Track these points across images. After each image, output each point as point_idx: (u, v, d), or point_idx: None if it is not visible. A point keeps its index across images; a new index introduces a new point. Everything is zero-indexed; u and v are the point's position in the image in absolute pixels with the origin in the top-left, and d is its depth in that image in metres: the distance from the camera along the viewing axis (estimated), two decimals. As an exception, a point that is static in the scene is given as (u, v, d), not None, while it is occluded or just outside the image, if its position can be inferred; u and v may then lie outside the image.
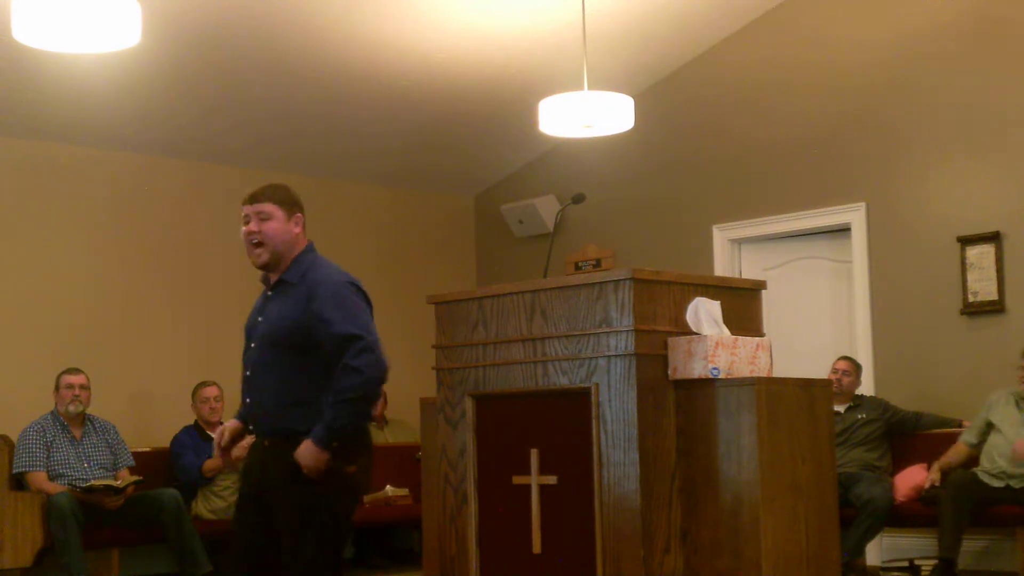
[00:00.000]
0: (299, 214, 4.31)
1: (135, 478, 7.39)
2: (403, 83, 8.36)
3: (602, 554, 3.87)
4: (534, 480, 4.07)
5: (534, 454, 4.09)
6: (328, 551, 4.09)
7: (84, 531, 6.93)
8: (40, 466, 7.32)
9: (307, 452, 4.00)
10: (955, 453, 7.20)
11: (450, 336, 4.39)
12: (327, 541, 4.09)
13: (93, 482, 7.24)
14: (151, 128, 8.49)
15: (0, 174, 8.32)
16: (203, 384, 8.21)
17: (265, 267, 4.27)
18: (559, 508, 4.01)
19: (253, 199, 4.29)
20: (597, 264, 9.52)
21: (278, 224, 4.23)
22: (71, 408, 7.50)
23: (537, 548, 4.03)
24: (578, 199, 9.60)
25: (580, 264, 9.67)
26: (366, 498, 8.51)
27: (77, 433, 7.54)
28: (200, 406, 8.15)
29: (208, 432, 8.04)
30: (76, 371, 7.60)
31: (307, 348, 4.11)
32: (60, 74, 7.31)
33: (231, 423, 4.37)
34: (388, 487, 8.61)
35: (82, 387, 7.56)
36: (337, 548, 4.17)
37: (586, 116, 7.20)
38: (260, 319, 4.29)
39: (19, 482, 7.32)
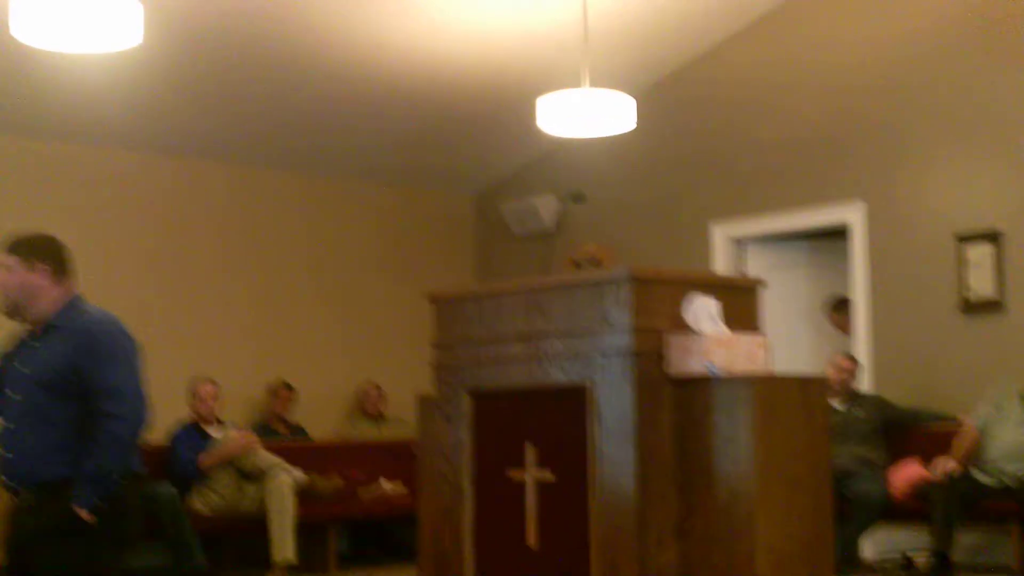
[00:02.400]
0: (42, 265, 4.22)
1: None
2: (403, 81, 8.36)
3: (597, 548, 3.87)
4: (530, 476, 4.07)
5: (530, 450, 4.09)
6: None
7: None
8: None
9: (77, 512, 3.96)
10: (969, 439, 7.11)
11: (448, 333, 4.39)
12: None
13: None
14: (150, 126, 8.50)
15: (4, 172, 8.33)
16: (198, 380, 8.21)
17: (9, 316, 4.24)
18: (555, 503, 4.01)
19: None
20: (595, 262, 9.52)
21: (15, 275, 4.20)
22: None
23: (532, 543, 4.04)
24: (578, 198, 9.60)
25: (578, 262, 9.67)
26: (362, 492, 8.53)
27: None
28: (196, 402, 8.15)
29: (204, 428, 8.05)
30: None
31: (71, 393, 4.08)
32: (60, 73, 7.30)
33: None
34: (384, 482, 8.63)
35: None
36: None
37: (586, 114, 7.19)
38: (24, 370, 4.18)
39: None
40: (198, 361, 8.63)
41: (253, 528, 7.62)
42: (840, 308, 8.76)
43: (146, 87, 7.87)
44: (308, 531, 7.75)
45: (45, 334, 4.21)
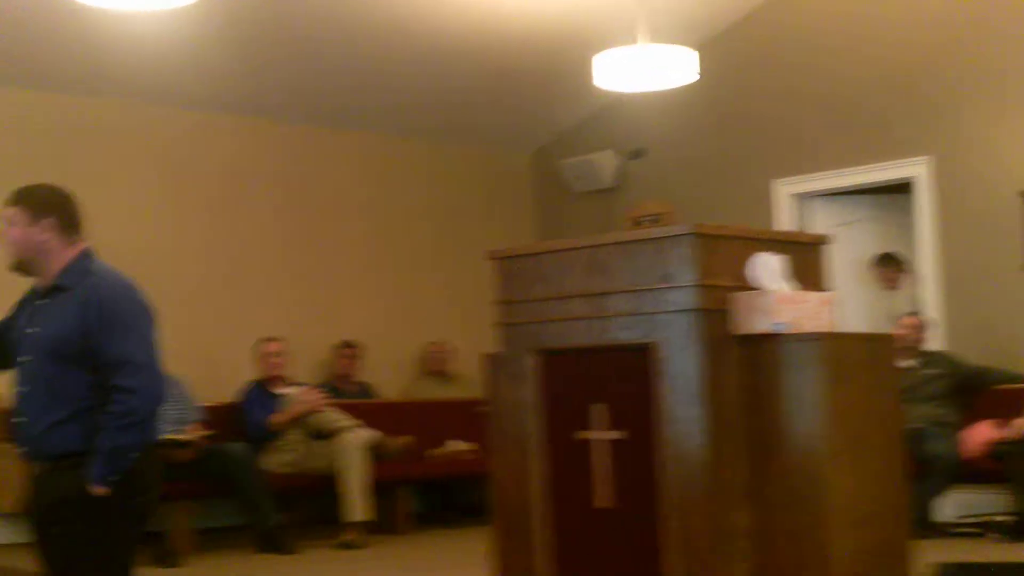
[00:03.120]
0: (47, 218, 3.99)
1: (204, 432, 7.51)
2: (461, 38, 8.36)
3: (669, 509, 3.89)
4: (599, 435, 4.09)
5: (598, 409, 4.11)
6: None
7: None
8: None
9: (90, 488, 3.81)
10: None
11: (511, 292, 4.41)
12: (110, 563, 3.93)
13: (163, 436, 7.35)
14: (206, 84, 8.55)
15: (56, 131, 8.43)
16: (265, 339, 8.31)
17: (16, 272, 4.02)
18: (624, 463, 4.03)
19: (5, 202, 4.07)
20: (656, 219, 9.50)
21: (20, 230, 3.98)
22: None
23: (602, 503, 4.06)
24: (637, 154, 9.58)
25: (640, 219, 9.66)
26: (431, 452, 8.61)
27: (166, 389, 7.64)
28: (264, 362, 8.26)
29: (272, 387, 8.16)
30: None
31: (83, 362, 3.87)
32: (116, 31, 7.37)
33: None
34: (453, 442, 8.69)
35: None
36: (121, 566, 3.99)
37: (645, 69, 7.17)
38: (30, 330, 3.99)
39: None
40: (265, 321, 8.73)
41: (326, 486, 7.73)
42: (885, 263, 8.68)
43: (202, 45, 7.89)
44: (379, 491, 7.84)
45: (51, 294, 3.98)
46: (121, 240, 8.56)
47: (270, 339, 8.33)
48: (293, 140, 9.44)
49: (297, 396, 7.98)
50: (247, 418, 8.02)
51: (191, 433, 7.49)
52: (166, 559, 6.78)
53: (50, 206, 4.04)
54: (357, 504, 7.51)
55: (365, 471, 7.60)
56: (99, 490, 3.79)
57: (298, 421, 7.88)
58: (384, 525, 7.94)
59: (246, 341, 8.47)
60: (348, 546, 7.33)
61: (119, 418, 3.81)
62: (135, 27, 7.33)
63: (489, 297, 4.49)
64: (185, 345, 8.46)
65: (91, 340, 3.85)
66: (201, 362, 8.68)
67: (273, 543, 7.20)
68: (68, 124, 8.44)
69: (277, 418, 7.90)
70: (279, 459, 7.86)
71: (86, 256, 4.04)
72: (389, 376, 9.60)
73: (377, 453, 7.78)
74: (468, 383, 9.35)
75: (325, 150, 9.59)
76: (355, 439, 7.70)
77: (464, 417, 8.60)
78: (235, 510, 7.75)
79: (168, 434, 7.39)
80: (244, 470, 7.35)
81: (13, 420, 3.99)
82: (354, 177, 9.74)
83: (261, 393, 8.13)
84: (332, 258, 9.54)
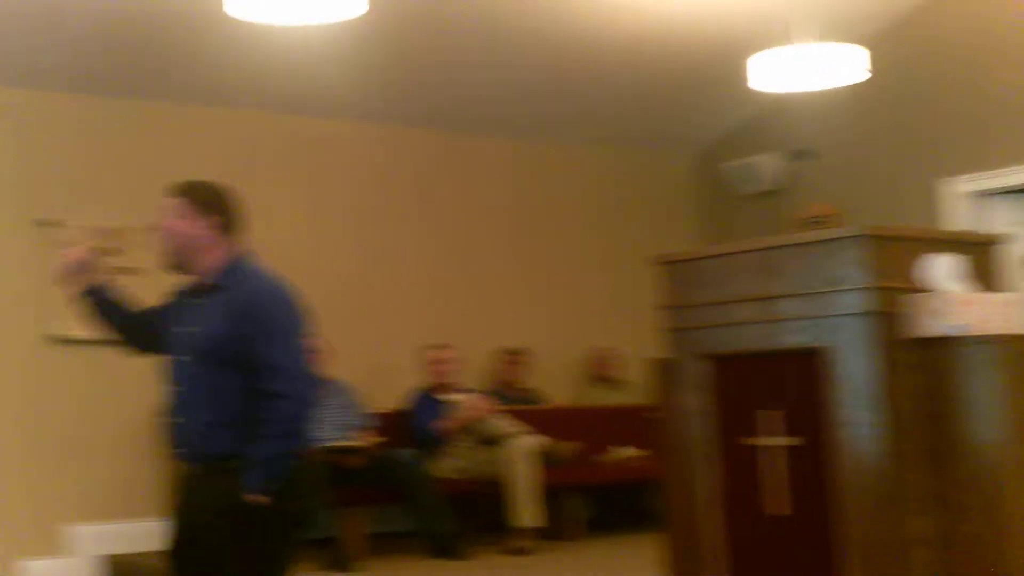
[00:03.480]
0: (213, 216, 4.00)
1: (376, 438, 7.59)
2: (619, 42, 8.30)
3: (848, 517, 3.81)
4: (769, 441, 4.03)
5: (768, 415, 4.05)
6: None
7: (329, 490, 7.15)
8: (284, 428, 7.57)
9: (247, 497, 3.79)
10: None
11: (678, 296, 4.37)
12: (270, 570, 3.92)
13: (334, 442, 7.47)
14: (369, 95, 8.62)
15: (231, 146, 8.63)
16: (434, 347, 8.38)
17: (170, 269, 4.02)
18: (799, 470, 3.96)
19: (166, 193, 4.04)
20: (823, 221, 9.33)
21: (182, 223, 3.97)
22: (307, 372, 7.74)
23: (777, 510, 4.00)
24: (802, 155, 9.41)
25: (806, 221, 9.49)
26: (599, 458, 8.58)
27: (319, 395, 7.78)
28: (432, 368, 8.33)
29: (441, 394, 8.22)
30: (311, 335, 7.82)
31: (238, 364, 3.85)
32: (280, 46, 7.50)
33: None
34: (624, 448, 8.64)
35: (318, 351, 7.78)
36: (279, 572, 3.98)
37: (809, 67, 7.04)
38: (187, 329, 3.96)
39: (265, 444, 7.59)
40: (433, 328, 8.81)
41: (495, 492, 7.76)
42: None
43: (367, 57, 7.97)
44: (549, 497, 7.84)
45: (207, 293, 3.95)
46: (288, 250, 8.75)
47: (437, 346, 8.40)
48: (453, 149, 9.51)
49: (465, 402, 8.03)
50: (415, 424, 8.10)
51: (361, 439, 7.59)
52: (339, 565, 6.88)
53: (215, 204, 4.03)
54: (526, 510, 7.52)
55: (533, 477, 7.61)
56: (257, 499, 3.77)
57: (466, 427, 7.93)
58: (553, 531, 7.93)
59: (417, 348, 8.55)
60: (518, 552, 7.35)
61: (272, 425, 3.79)
62: (290, 42, 7.46)
63: (653, 302, 4.46)
64: (354, 352, 8.61)
65: (245, 344, 3.83)
66: (370, 369, 8.79)
67: (444, 549, 7.25)
68: (227, 137, 8.63)
69: (445, 424, 7.97)
70: (448, 465, 7.91)
71: (244, 257, 4.03)
72: (555, 382, 9.60)
73: (546, 459, 7.78)
74: (634, 388, 9.30)
75: (486, 158, 9.63)
76: (523, 445, 7.71)
77: (631, 423, 8.54)
78: (406, 516, 7.83)
79: (339, 440, 7.51)
80: (414, 476, 7.41)
81: (169, 420, 3.97)
82: (518, 184, 9.77)
83: (429, 400, 8.20)
84: (498, 264, 9.57)
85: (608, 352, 9.64)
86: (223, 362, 3.84)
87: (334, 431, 7.66)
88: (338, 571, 6.82)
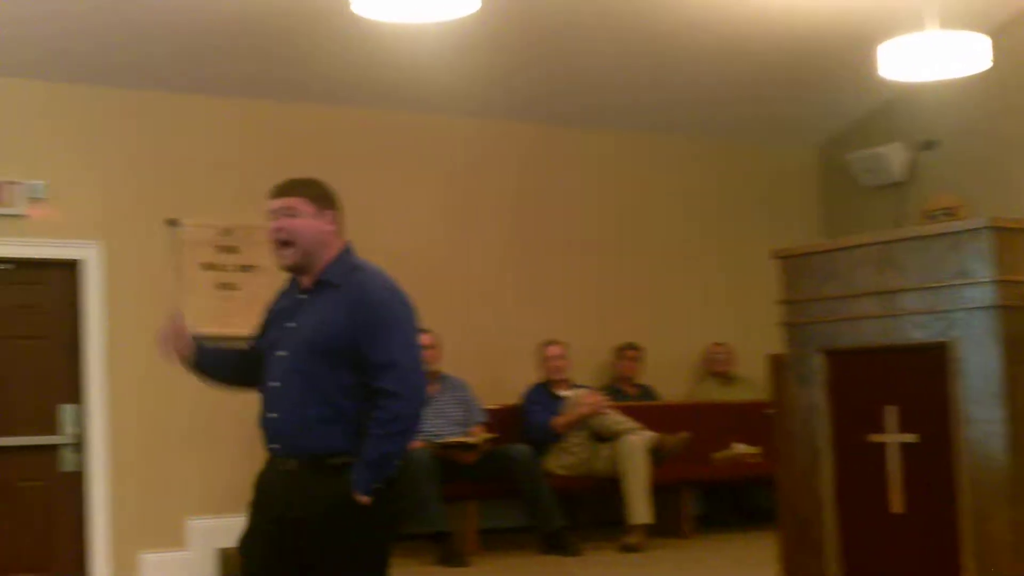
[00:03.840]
0: (330, 211, 3.95)
1: (488, 434, 7.60)
2: (738, 31, 8.18)
3: (967, 515, 3.71)
4: (891, 438, 3.94)
5: (890, 411, 3.95)
6: None
7: (442, 485, 7.18)
8: (399, 422, 7.60)
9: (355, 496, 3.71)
10: None
11: (797, 291, 4.29)
12: (372, 570, 3.80)
13: (448, 438, 7.49)
14: (483, 91, 8.62)
15: (349, 144, 8.70)
16: (547, 343, 8.36)
17: (293, 269, 3.93)
18: (918, 467, 3.87)
19: (279, 193, 3.94)
20: (950, 213, 9.12)
21: (306, 221, 3.88)
22: (418, 369, 7.76)
23: (896, 508, 3.91)
24: (928, 146, 9.20)
25: (932, 213, 9.28)
26: (715, 455, 8.50)
27: (431, 391, 7.81)
28: (545, 364, 8.31)
29: (554, 390, 8.20)
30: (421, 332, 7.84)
31: (346, 360, 3.76)
32: (398, 43, 7.53)
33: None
34: (737, 445, 8.55)
35: (426, 348, 7.81)
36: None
37: (933, 57, 6.88)
38: (293, 325, 3.88)
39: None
40: (547, 324, 8.78)
41: (608, 488, 7.72)
42: None
43: (483, 53, 7.96)
44: (662, 494, 7.78)
45: (316, 290, 3.88)
46: (404, 247, 8.80)
47: (552, 342, 8.37)
48: (576, 143, 9.47)
49: (579, 399, 7.99)
50: (529, 420, 8.09)
51: (476, 435, 7.60)
52: (452, 559, 6.89)
53: (331, 199, 3.98)
54: (639, 507, 7.46)
55: (645, 473, 7.55)
56: (363, 499, 3.69)
57: (580, 424, 7.90)
58: (667, 528, 7.87)
59: (528, 344, 8.54)
60: (630, 549, 7.29)
61: (385, 425, 3.70)
62: (413, 40, 7.49)
63: (773, 296, 4.38)
64: (469, 348, 8.63)
65: (357, 340, 3.75)
66: (484, 365, 8.80)
67: (557, 545, 7.23)
68: (345, 135, 8.70)
69: (559, 420, 7.94)
70: (561, 461, 7.89)
71: (349, 251, 3.98)
72: (670, 378, 9.52)
73: (656, 455, 7.71)
74: (751, 385, 9.18)
75: (600, 151, 9.58)
76: (637, 441, 7.66)
77: (748, 419, 8.46)
78: (518, 512, 7.83)
79: (452, 436, 7.53)
80: (527, 472, 7.40)
81: (265, 415, 3.89)
82: (633, 177, 9.70)
83: (543, 396, 8.18)
84: (612, 259, 9.52)
85: (724, 348, 9.53)
86: (330, 356, 3.76)
87: (447, 427, 7.68)
88: (450, 566, 6.83)
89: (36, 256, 7.76)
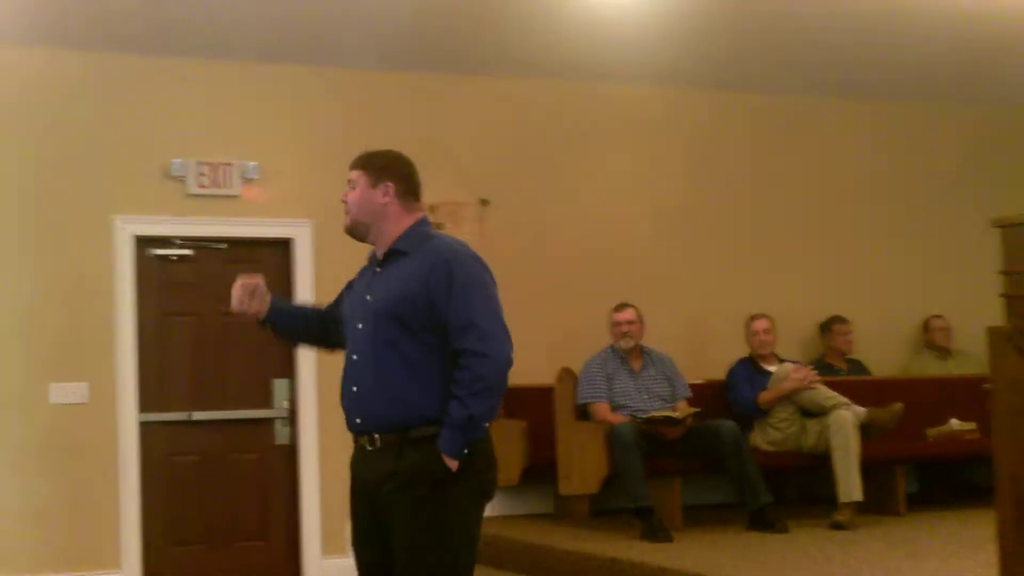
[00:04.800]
0: (389, 183, 3.94)
1: (694, 409, 7.53)
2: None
3: None
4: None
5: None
6: (451, 567, 3.71)
7: (646, 460, 7.14)
8: (603, 397, 7.62)
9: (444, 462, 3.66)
10: None
11: (1019, 260, 4.11)
12: (450, 556, 3.71)
13: (653, 413, 7.45)
14: (685, 61, 8.51)
15: (553, 116, 8.73)
16: (754, 317, 8.23)
17: (350, 235, 4.00)
18: None
19: (350, 165, 4.02)
20: None
21: (359, 192, 3.94)
22: (621, 344, 7.75)
23: None
24: None
25: None
26: (929, 431, 8.26)
27: (636, 366, 7.78)
28: (752, 338, 8.19)
29: (761, 365, 8.08)
30: (624, 307, 7.82)
31: (426, 326, 3.74)
32: (597, 15, 7.49)
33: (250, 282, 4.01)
34: (954, 421, 8.30)
35: (630, 322, 7.77)
36: (465, 562, 3.76)
37: None
38: (368, 297, 3.88)
39: (584, 412, 7.67)
40: (755, 297, 8.67)
41: (815, 465, 7.57)
42: None
43: (684, 22, 7.85)
44: (874, 471, 7.59)
45: (388, 260, 3.91)
46: (617, 218, 8.80)
47: (759, 316, 8.24)
48: (774, 113, 9.31)
49: (786, 373, 7.85)
50: (735, 395, 7.99)
51: (681, 410, 7.54)
52: (655, 535, 6.85)
53: (391, 171, 3.98)
54: (850, 483, 7.29)
55: (856, 450, 7.37)
56: (452, 463, 3.66)
57: (787, 399, 7.76)
58: (878, 506, 7.67)
59: (734, 318, 8.43)
60: (839, 527, 7.13)
61: (469, 385, 3.67)
62: (614, 11, 7.45)
63: (993, 267, 4.21)
64: (674, 323, 8.59)
65: (433, 303, 3.74)
66: (690, 339, 8.75)
67: (763, 521, 7.12)
68: (545, 107, 8.72)
69: (766, 396, 7.82)
70: (768, 437, 7.77)
71: (425, 223, 3.98)
72: (882, 352, 9.28)
73: (867, 430, 7.52)
74: (969, 359, 8.88)
75: (809, 120, 9.39)
76: (848, 416, 7.47)
77: (965, 395, 8.18)
78: (724, 487, 7.74)
79: (657, 411, 7.48)
80: (733, 448, 7.30)
81: (347, 390, 3.88)
82: (851, 147, 9.49)
83: (750, 370, 8.07)
84: (818, 231, 9.33)
85: (943, 320, 9.24)
86: (407, 324, 3.75)
87: (652, 402, 7.64)
88: (654, 541, 6.78)
89: (250, 235, 8.01)
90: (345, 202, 3.97)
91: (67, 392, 7.50)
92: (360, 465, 3.88)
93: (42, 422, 7.46)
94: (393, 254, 3.91)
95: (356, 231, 3.98)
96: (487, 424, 3.75)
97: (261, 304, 4.05)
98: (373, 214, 3.92)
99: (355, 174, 3.98)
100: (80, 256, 7.62)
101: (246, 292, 4.01)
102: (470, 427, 3.69)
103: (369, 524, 3.85)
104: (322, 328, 4.14)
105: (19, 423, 7.43)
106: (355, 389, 3.85)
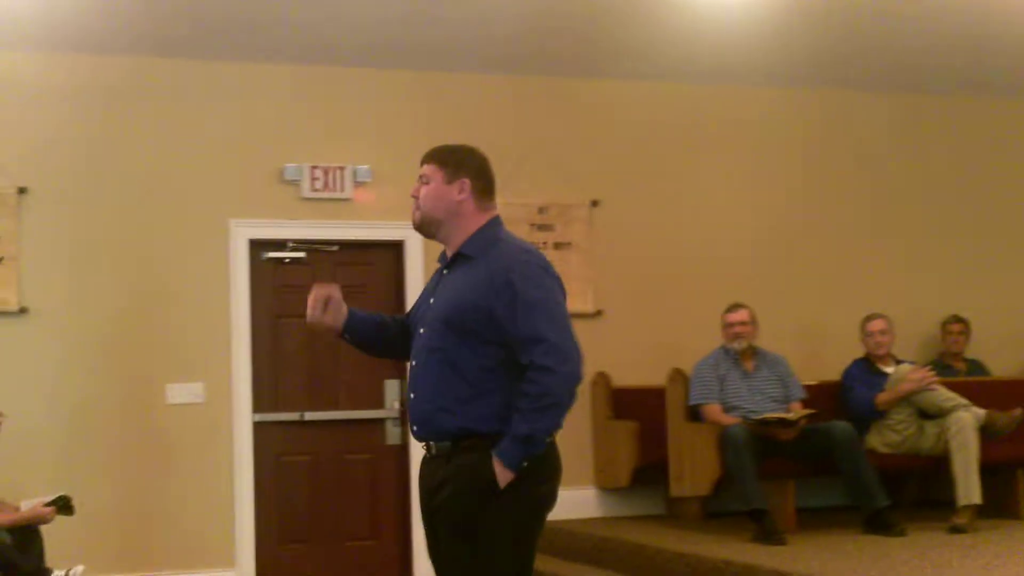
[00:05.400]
0: (465, 180, 3.76)
1: (808, 411, 7.42)
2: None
3: None
4: None
5: None
6: None
7: (759, 462, 7.06)
8: (714, 398, 7.55)
9: (498, 473, 3.52)
10: None
11: None
12: (509, 564, 3.59)
13: (766, 414, 7.36)
14: (792, 61, 8.41)
15: (662, 117, 8.69)
16: (870, 317, 8.10)
17: (419, 232, 3.86)
18: None
19: (422, 159, 3.85)
20: None
21: (433, 187, 3.77)
22: (734, 345, 7.67)
23: None
24: None
25: None
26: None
27: (748, 366, 7.69)
28: (868, 339, 8.06)
29: (877, 365, 7.94)
30: (737, 308, 7.74)
31: (486, 337, 3.58)
32: (708, 18, 7.46)
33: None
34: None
35: (743, 323, 7.69)
36: (524, 570, 3.61)
37: None
38: (432, 300, 3.75)
39: (695, 414, 7.60)
40: (870, 297, 8.53)
41: (932, 467, 7.42)
42: None
43: (792, 21, 7.74)
44: (993, 473, 7.41)
45: (455, 263, 3.76)
46: (726, 218, 8.72)
47: (875, 316, 8.10)
48: (885, 109, 9.16)
49: (903, 374, 7.70)
50: (851, 397, 7.86)
51: (795, 412, 7.44)
52: (770, 537, 6.77)
53: (468, 167, 3.80)
54: (969, 486, 7.12)
55: (974, 452, 7.21)
56: (508, 475, 3.54)
57: (905, 400, 7.61)
58: (998, 509, 7.48)
59: (849, 319, 8.30)
60: (958, 530, 6.97)
61: (535, 399, 3.53)
62: (721, 11, 7.40)
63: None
64: (788, 323, 8.50)
65: (496, 315, 3.59)
66: (803, 340, 8.65)
67: (879, 524, 6.99)
68: (659, 109, 8.68)
69: (882, 397, 7.68)
70: (884, 439, 7.64)
71: (495, 224, 3.80)
72: (1001, 352, 9.07)
73: (987, 432, 7.35)
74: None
75: (927, 118, 9.23)
76: (967, 418, 7.31)
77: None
78: (838, 490, 7.62)
79: (771, 412, 7.39)
80: (849, 450, 7.18)
81: (409, 396, 3.77)
82: (965, 144, 9.29)
83: (866, 371, 7.94)
84: (938, 229, 9.16)
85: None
86: (466, 334, 3.61)
87: (765, 403, 7.55)
88: (767, 543, 6.70)
89: (362, 238, 8.08)
90: (415, 197, 3.82)
91: (184, 392, 7.64)
92: (421, 472, 3.79)
93: (159, 422, 7.60)
94: (459, 257, 3.77)
95: (426, 228, 3.83)
96: (548, 438, 3.61)
97: (336, 315, 3.89)
98: (447, 211, 3.76)
99: (429, 168, 3.81)
100: (197, 259, 7.76)
101: (319, 302, 3.85)
102: (531, 442, 3.55)
103: (433, 533, 3.76)
104: (403, 339, 3.95)
105: (137, 423, 7.58)
106: (412, 396, 3.74)
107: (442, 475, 3.65)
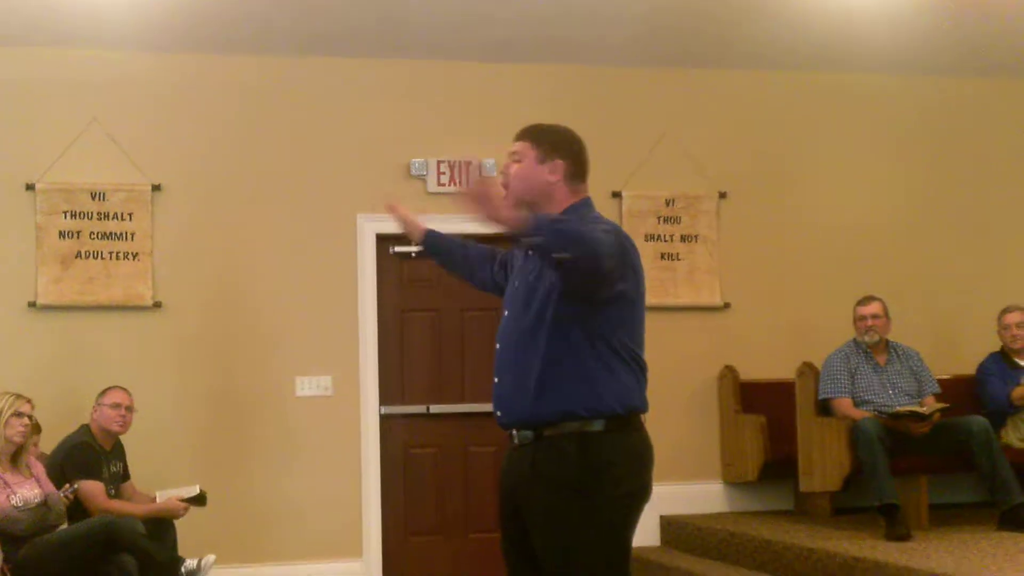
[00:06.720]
0: (558, 161, 3.59)
1: (941, 405, 7.27)
2: None
3: None
4: None
5: None
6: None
7: (891, 457, 6.93)
8: (845, 392, 7.42)
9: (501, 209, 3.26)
10: None
11: None
12: (592, 567, 3.41)
13: (899, 408, 7.23)
14: (920, 48, 8.22)
15: (790, 107, 8.61)
16: (1007, 309, 7.90)
17: None
18: None
19: (515, 136, 3.67)
20: None
21: (525, 167, 3.59)
22: (866, 338, 7.53)
23: None
24: None
25: None
26: None
27: (880, 360, 7.55)
28: (1003, 332, 7.86)
29: (1014, 359, 7.75)
30: (869, 300, 7.60)
31: (563, 319, 3.41)
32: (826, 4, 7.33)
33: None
34: None
35: (875, 316, 7.54)
36: (612, 573, 3.43)
37: None
38: (516, 283, 3.60)
39: (825, 408, 7.49)
40: (1007, 289, 8.34)
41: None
42: None
43: (920, 7, 7.57)
44: None
45: None
46: (862, 209, 8.57)
47: (1012, 308, 7.89)
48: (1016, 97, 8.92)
49: (1034, 367, 7.51)
50: (987, 391, 7.69)
51: (928, 406, 7.29)
52: (900, 533, 6.64)
53: (562, 149, 3.64)
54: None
55: (1120, 449, 7.00)
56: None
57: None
58: None
59: (985, 311, 8.11)
60: (1099, 529, 6.77)
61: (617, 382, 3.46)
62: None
63: None
64: (923, 316, 8.35)
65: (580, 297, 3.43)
66: (938, 333, 8.48)
67: (1015, 521, 6.82)
68: (787, 99, 8.56)
69: (1019, 391, 7.50)
70: (1020, 434, 7.46)
71: (586, 206, 3.65)
72: None
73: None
74: None
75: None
76: (1107, 414, 7.10)
77: None
78: (972, 486, 7.45)
79: (904, 407, 7.25)
80: (983, 445, 7.01)
81: (494, 379, 3.63)
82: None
83: (1001, 365, 7.76)
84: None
85: None
86: (548, 316, 3.46)
87: (898, 397, 7.42)
88: (899, 539, 6.57)
89: (488, 232, 8.00)
90: (504, 174, 3.66)
91: (313, 385, 7.75)
92: (505, 463, 3.66)
93: (289, 414, 7.72)
94: None
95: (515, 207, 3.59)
96: (568, 246, 3.27)
97: (413, 227, 4.13)
98: (538, 192, 3.59)
99: (521, 146, 3.64)
100: (326, 253, 7.86)
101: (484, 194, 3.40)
102: (554, 229, 3.29)
103: (514, 527, 3.59)
104: (479, 263, 4.04)
105: (269, 416, 7.71)
106: (496, 380, 3.61)
107: (525, 471, 3.51)
